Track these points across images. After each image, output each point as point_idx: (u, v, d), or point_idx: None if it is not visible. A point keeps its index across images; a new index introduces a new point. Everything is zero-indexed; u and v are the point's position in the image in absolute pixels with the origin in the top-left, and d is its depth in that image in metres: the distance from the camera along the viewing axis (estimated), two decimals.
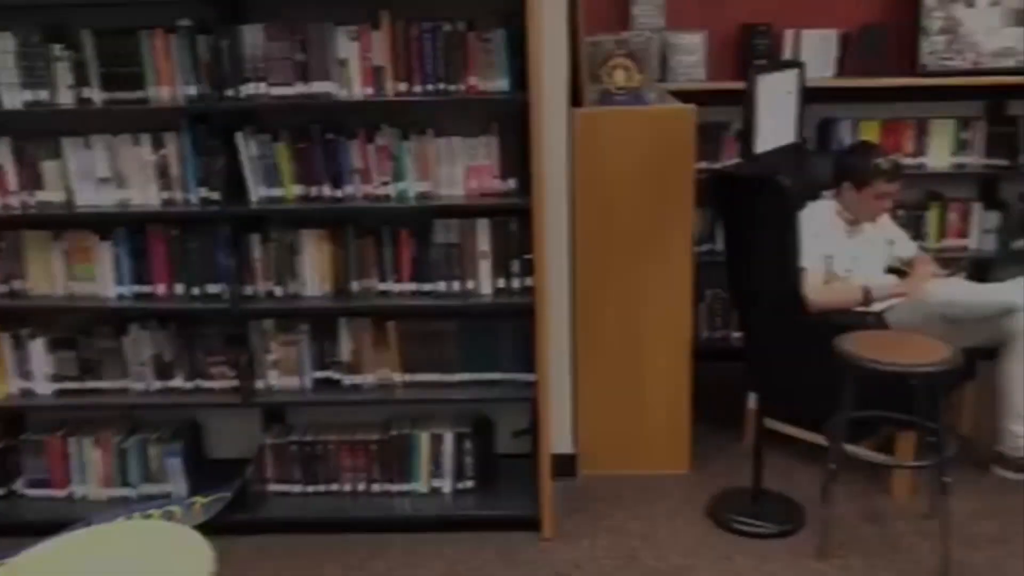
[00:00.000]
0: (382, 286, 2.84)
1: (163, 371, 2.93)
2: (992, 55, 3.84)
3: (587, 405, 3.17)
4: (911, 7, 3.85)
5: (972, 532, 2.80)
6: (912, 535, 2.81)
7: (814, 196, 3.31)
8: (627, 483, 3.14)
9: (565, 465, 3.17)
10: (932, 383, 2.63)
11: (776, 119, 2.70)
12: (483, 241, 2.80)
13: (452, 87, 2.69)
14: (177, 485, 3.00)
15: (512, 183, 2.77)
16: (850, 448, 2.82)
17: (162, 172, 2.78)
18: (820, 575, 2.63)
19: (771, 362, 3.06)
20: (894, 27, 3.90)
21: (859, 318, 3.04)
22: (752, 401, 3.31)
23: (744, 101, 2.57)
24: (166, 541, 1.74)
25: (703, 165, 3.85)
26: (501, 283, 2.83)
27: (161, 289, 2.86)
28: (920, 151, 3.99)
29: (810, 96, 3.91)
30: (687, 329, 3.12)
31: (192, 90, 2.70)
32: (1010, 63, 3.83)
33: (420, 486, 2.99)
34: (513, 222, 2.79)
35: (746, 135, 2.60)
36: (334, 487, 2.99)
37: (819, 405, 2.81)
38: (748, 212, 2.98)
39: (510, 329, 2.87)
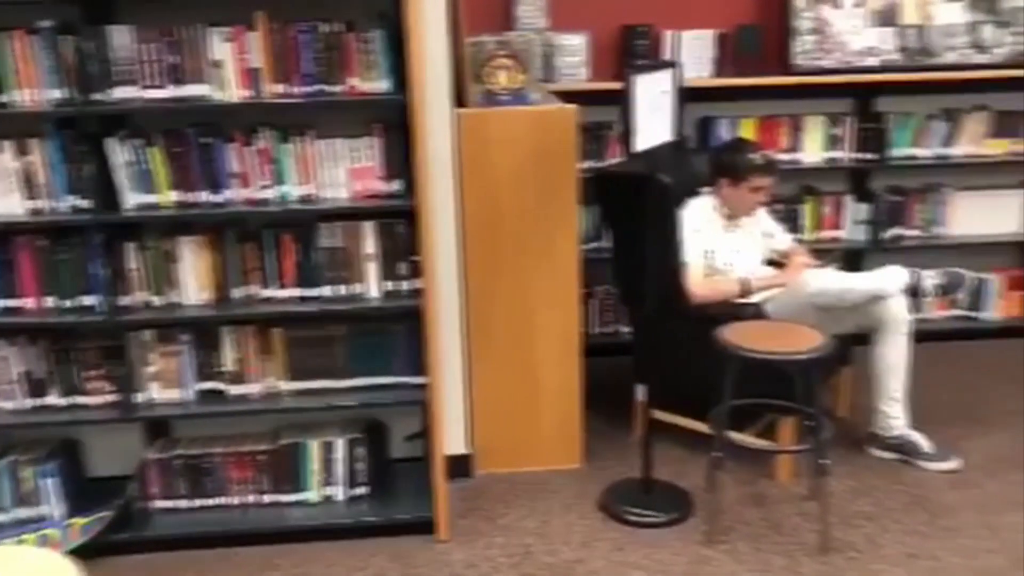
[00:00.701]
0: (265, 292, 2.78)
1: (36, 388, 2.79)
2: (858, 54, 4.02)
3: (481, 405, 3.18)
4: (782, 8, 4.01)
5: (850, 510, 2.93)
6: (795, 516, 2.92)
7: (694, 193, 3.40)
8: (522, 481, 3.16)
9: (460, 466, 3.17)
10: (807, 369, 2.74)
11: (654, 118, 2.76)
12: (369, 244, 2.78)
13: (332, 88, 2.65)
14: (54, 507, 2.86)
15: (397, 185, 2.76)
16: (734, 435, 2.92)
17: (28, 180, 2.65)
18: (708, 560, 2.70)
19: (657, 355, 3.14)
20: (767, 28, 4.05)
21: (739, 309, 3.14)
22: (640, 393, 3.37)
23: (622, 101, 2.62)
24: (29, 568, 1.66)
25: (589, 164, 3.93)
26: (389, 286, 2.81)
27: (30, 303, 2.73)
28: (795, 147, 4.16)
29: (690, 95, 4.01)
30: (576, 326, 3.16)
31: (57, 94, 2.59)
32: (875, 62, 4.03)
33: (312, 495, 2.94)
34: (400, 224, 2.77)
35: (625, 134, 2.65)
36: (222, 500, 2.92)
37: (704, 395, 2.88)
38: (631, 210, 3.03)
39: (400, 332, 2.85)
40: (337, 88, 2.66)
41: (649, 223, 2.88)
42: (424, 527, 2.85)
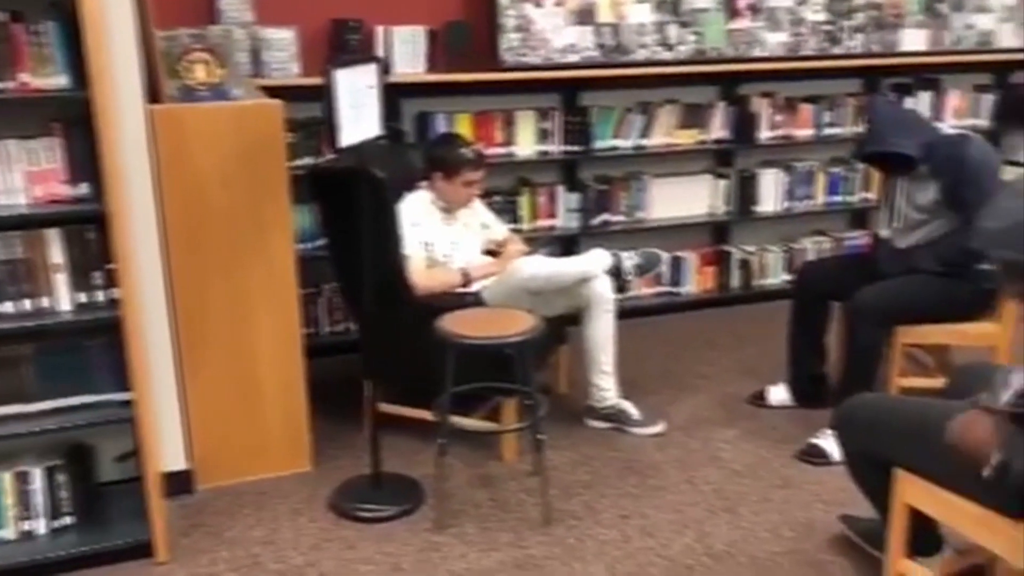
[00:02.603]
0: None
1: None
2: (561, 51, 4.25)
3: (199, 417, 3.03)
4: (489, 5, 4.13)
5: (570, 480, 3.11)
6: (520, 493, 3.04)
7: (411, 187, 3.44)
8: (249, 490, 3.05)
9: (181, 482, 3.01)
10: (521, 351, 2.86)
11: (361, 113, 2.76)
12: (56, 253, 2.55)
13: (0, 85, 2.41)
14: None
15: (85, 188, 2.55)
16: (458, 421, 2.99)
17: None
18: (438, 547, 2.75)
19: (383, 348, 3.14)
20: (476, 24, 4.17)
21: (459, 299, 3.23)
22: (367, 388, 3.37)
23: (324, 96, 2.59)
24: None
25: (306, 161, 3.86)
26: (83, 298, 2.60)
27: None
28: (509, 141, 4.32)
29: (405, 91, 4.10)
30: (296, 327, 3.09)
31: None
32: (576, 58, 4.27)
33: (7, 532, 2.66)
34: (90, 230, 2.56)
35: (330, 129, 2.62)
36: None
37: (430, 384, 2.93)
38: (346, 205, 3.01)
39: (99, 346, 2.64)
40: (6, 85, 2.42)
41: (364, 217, 2.88)
42: (142, 551, 2.68)
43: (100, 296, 2.61)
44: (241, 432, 3.08)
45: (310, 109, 3.65)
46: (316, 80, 3.77)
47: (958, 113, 4.99)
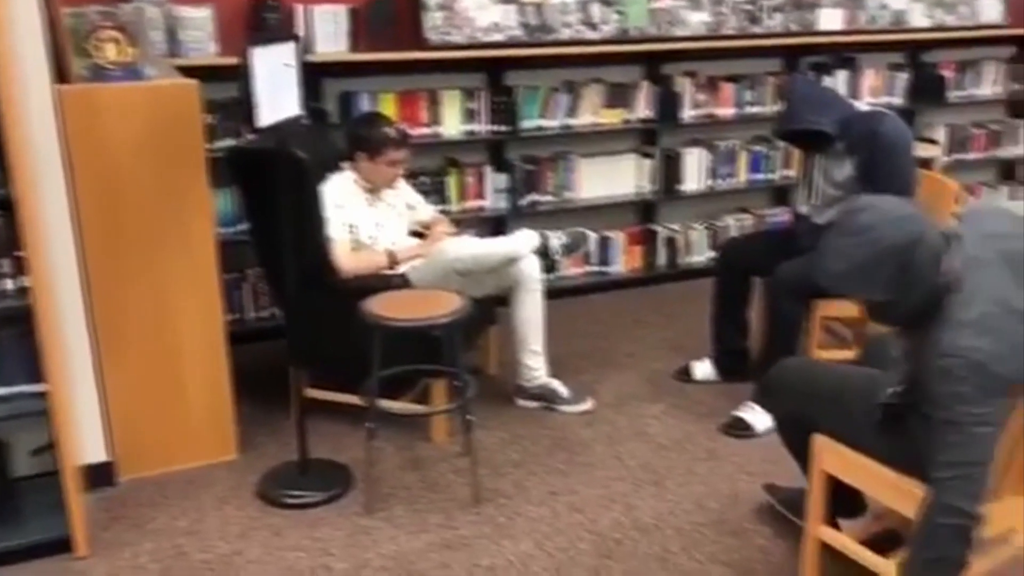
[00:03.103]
0: None
1: None
2: (485, 30, 4.22)
3: (120, 408, 2.95)
4: None
5: (500, 460, 3.12)
6: (450, 474, 3.04)
7: (334, 168, 3.39)
8: (173, 480, 2.99)
9: (101, 474, 2.93)
10: (449, 332, 2.85)
11: (279, 92, 2.70)
12: None
13: None
14: None
15: None
16: (386, 404, 2.98)
17: None
18: (367, 530, 2.74)
19: (309, 333, 3.11)
20: (399, 2, 4.11)
21: (385, 281, 3.20)
22: (294, 374, 3.32)
23: (240, 75, 2.53)
24: None
25: (227, 143, 3.78)
26: None
27: None
28: (435, 121, 4.29)
29: (327, 70, 4.03)
30: (218, 313, 3.03)
31: None
32: (501, 37, 4.25)
33: None
34: None
35: (247, 108, 2.56)
36: None
37: (358, 368, 2.90)
38: (267, 187, 2.95)
39: (11, 337, 2.55)
40: None
41: (285, 199, 2.82)
42: (60, 546, 2.61)
43: (9, 284, 2.52)
44: (164, 421, 3.01)
45: (229, 90, 3.56)
46: (234, 60, 3.71)
47: (874, 91, 5.12)
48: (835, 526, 2.43)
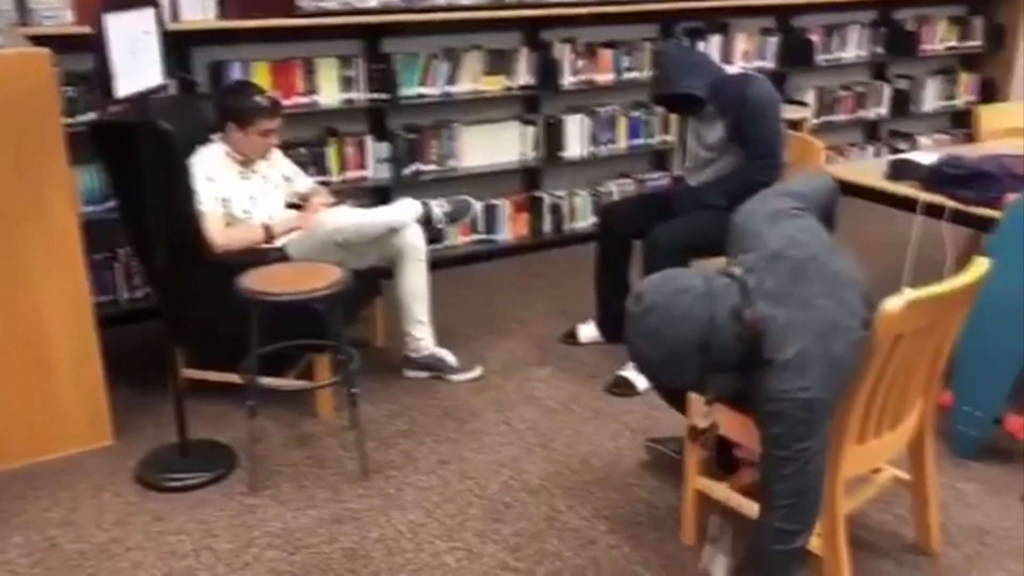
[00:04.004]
0: None
1: None
2: None
3: None
4: None
5: (388, 432, 3.10)
6: (337, 449, 3.01)
7: (204, 140, 3.28)
8: (44, 471, 2.86)
9: None
10: (330, 305, 2.80)
11: (138, 61, 2.57)
12: None
13: None
14: None
15: None
16: (267, 381, 2.92)
17: None
18: (252, 509, 2.69)
19: (185, 311, 3.01)
20: None
21: (262, 255, 3.11)
22: (172, 354, 3.22)
23: (94, 43, 2.40)
24: None
25: (89, 117, 3.59)
26: None
27: None
28: (311, 90, 4.19)
29: (195, 39, 3.88)
30: (85, 295, 2.89)
31: None
32: (375, 3, 4.17)
33: None
34: None
35: (103, 79, 2.43)
36: None
37: (238, 346, 2.82)
38: (132, 161, 2.82)
39: None
40: None
41: (150, 173, 2.71)
42: None
43: None
44: (29, 410, 2.87)
45: (89, 61, 3.36)
46: (89, 28, 3.55)
47: (746, 55, 5.26)
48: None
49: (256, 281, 2.73)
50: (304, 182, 3.58)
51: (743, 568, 2.08)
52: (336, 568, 2.44)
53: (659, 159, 5.27)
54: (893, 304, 1.91)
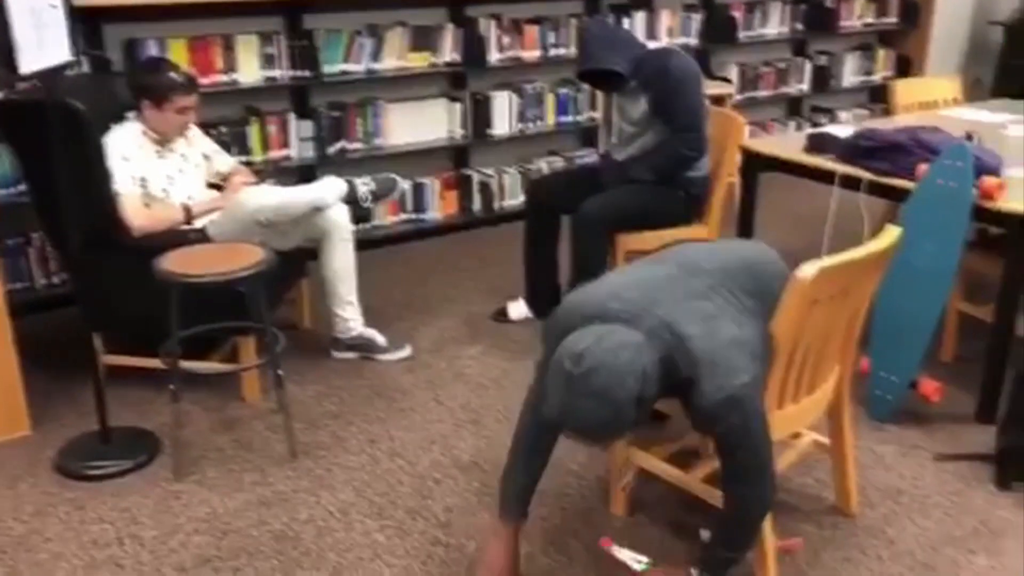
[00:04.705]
0: None
1: None
2: None
3: None
4: None
5: (316, 413, 3.07)
6: (265, 431, 2.97)
7: (119, 119, 3.18)
8: None
9: None
10: (253, 287, 2.75)
11: (43, 35, 2.47)
12: None
13: None
14: None
15: None
16: (190, 365, 2.86)
17: None
18: (179, 495, 2.64)
19: (102, 296, 2.93)
20: None
21: (181, 236, 3.04)
22: (90, 340, 3.13)
23: None
24: None
25: None
26: None
27: None
28: (231, 67, 4.09)
29: (108, 15, 3.75)
30: None
31: None
32: None
33: None
34: None
35: (4, 54, 2.33)
36: None
37: (159, 329, 2.75)
38: (44, 142, 2.72)
39: None
40: None
41: (59, 154, 2.61)
42: None
43: None
44: None
45: None
46: None
47: (670, 32, 5.30)
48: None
49: (176, 263, 2.67)
50: (225, 161, 3.50)
51: (717, 549, 2.09)
52: (265, 551, 2.41)
53: (588, 136, 5.29)
54: (806, 271, 1.96)
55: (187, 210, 3.16)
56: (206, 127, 3.63)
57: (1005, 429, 2.74)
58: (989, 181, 2.81)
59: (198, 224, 3.16)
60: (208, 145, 3.46)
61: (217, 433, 2.96)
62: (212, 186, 3.40)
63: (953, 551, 2.40)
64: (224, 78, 4.07)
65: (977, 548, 2.41)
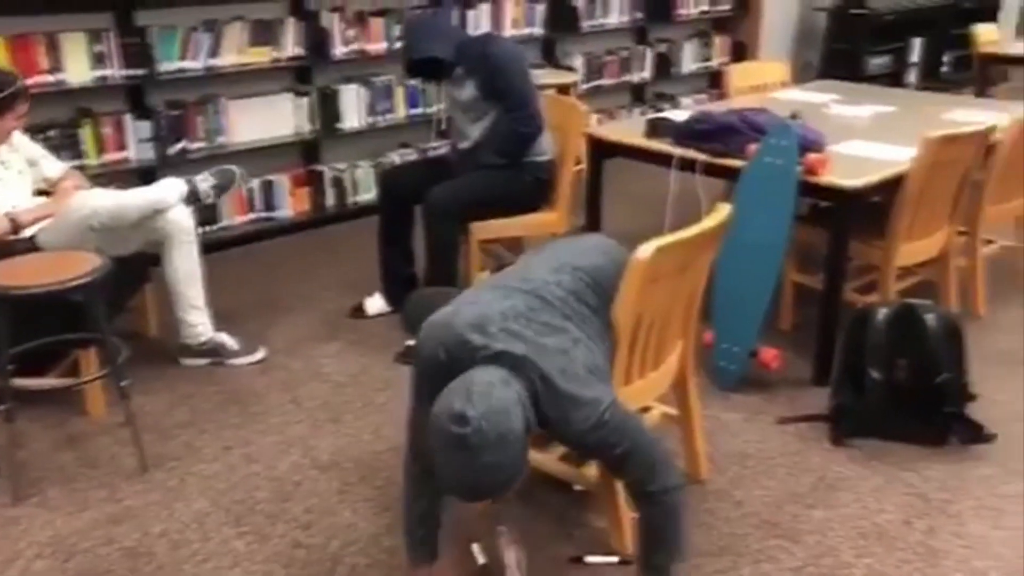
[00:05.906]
0: None
1: None
2: None
3: None
4: None
5: (167, 424, 2.96)
6: (113, 446, 2.84)
7: None
8: None
9: None
10: (89, 296, 2.62)
11: None
12: None
13: None
14: None
15: None
16: (21, 382, 2.70)
17: None
18: (17, 519, 2.49)
19: None
20: None
21: (9, 247, 2.87)
22: None
23: None
24: None
25: None
26: None
27: None
28: (57, 67, 3.88)
29: None
30: None
31: None
32: None
33: None
34: None
35: None
36: None
37: None
38: None
39: None
40: None
41: None
42: None
43: None
44: None
45: None
46: None
47: (515, 23, 5.36)
48: None
49: (1, 275, 2.51)
50: (54, 166, 3.31)
51: (656, 556, 2.06)
52: (116, 569, 2.31)
53: (440, 127, 5.29)
54: (644, 251, 2.03)
55: (12, 219, 2.97)
56: (33, 131, 3.44)
57: (837, 390, 2.93)
58: (813, 157, 2.99)
59: (27, 233, 2.99)
60: (35, 150, 3.26)
61: (60, 451, 2.81)
62: (42, 193, 3.22)
63: (794, 507, 2.55)
64: (50, 78, 3.85)
65: (815, 502, 2.57)
